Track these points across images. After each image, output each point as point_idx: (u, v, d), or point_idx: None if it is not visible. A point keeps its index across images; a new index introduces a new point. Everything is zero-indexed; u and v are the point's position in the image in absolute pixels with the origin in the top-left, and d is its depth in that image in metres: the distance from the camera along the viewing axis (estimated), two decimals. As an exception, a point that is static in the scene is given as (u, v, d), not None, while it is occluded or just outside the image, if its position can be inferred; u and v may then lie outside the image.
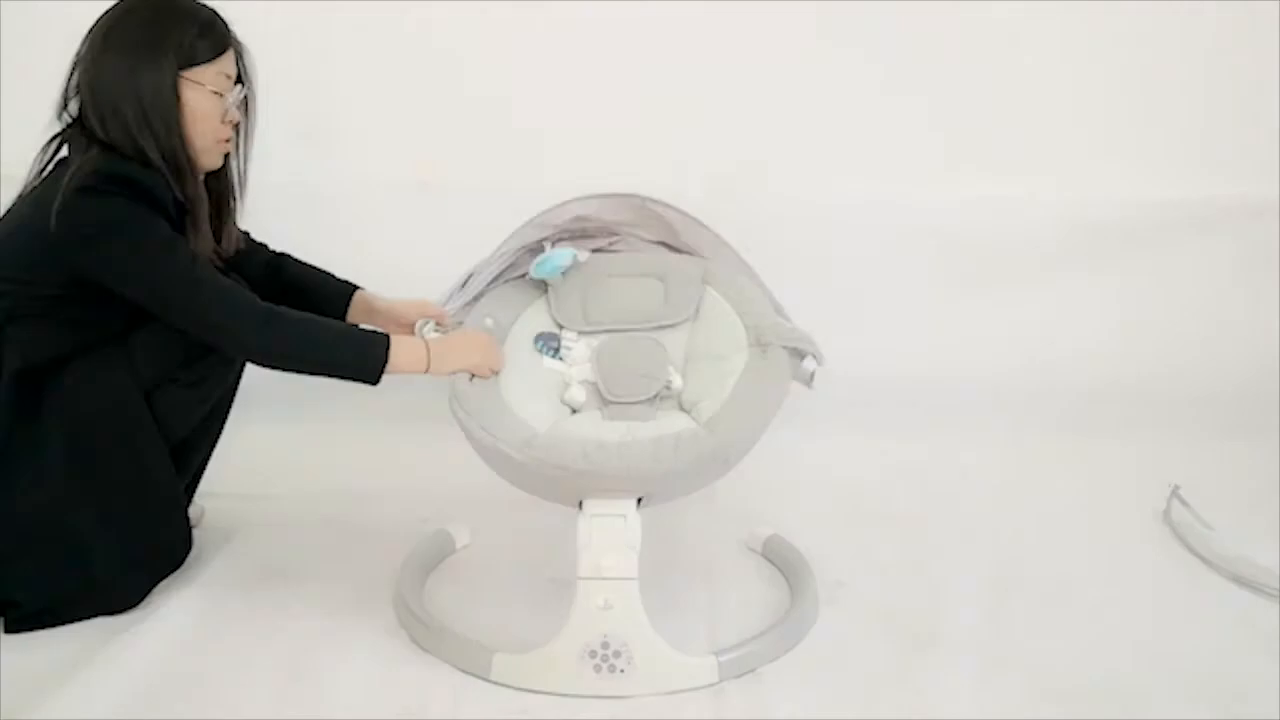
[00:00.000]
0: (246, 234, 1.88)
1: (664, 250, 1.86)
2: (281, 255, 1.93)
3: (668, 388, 1.72)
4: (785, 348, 1.68)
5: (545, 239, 1.82)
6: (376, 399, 2.07)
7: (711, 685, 1.53)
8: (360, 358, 1.63)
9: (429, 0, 2.32)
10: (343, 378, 1.64)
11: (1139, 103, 2.40)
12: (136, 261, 1.58)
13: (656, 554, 1.59)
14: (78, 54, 1.63)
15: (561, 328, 1.80)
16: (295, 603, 1.73)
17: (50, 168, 1.66)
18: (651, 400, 1.70)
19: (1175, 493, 2.07)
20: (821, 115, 2.36)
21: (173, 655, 1.59)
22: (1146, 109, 2.41)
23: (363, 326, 1.74)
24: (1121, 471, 2.26)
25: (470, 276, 1.81)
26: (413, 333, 1.77)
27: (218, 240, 1.73)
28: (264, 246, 1.92)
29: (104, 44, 1.61)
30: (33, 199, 1.63)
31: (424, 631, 1.64)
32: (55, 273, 1.59)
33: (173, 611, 1.69)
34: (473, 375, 1.66)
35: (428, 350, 1.66)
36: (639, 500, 1.56)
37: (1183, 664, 1.59)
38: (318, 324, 1.66)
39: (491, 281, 1.82)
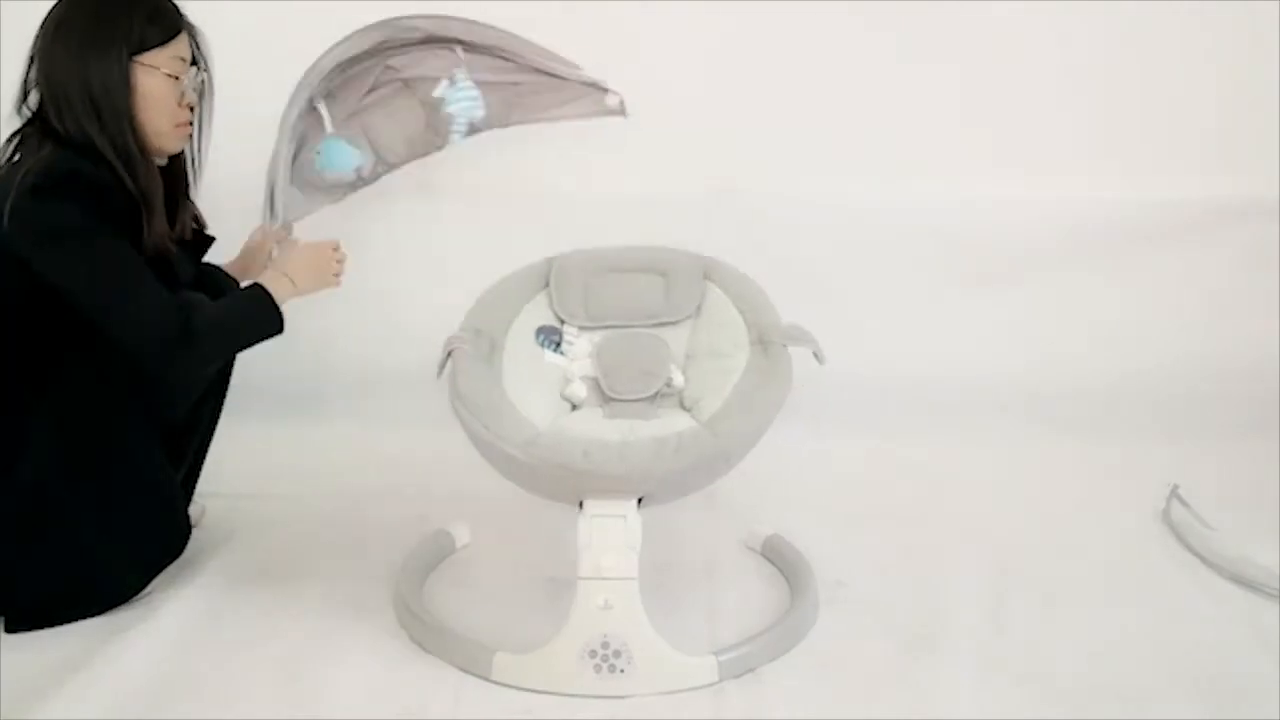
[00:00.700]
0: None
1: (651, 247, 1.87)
2: None
3: (669, 385, 1.72)
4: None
5: (312, 98, 1.89)
6: (376, 399, 2.08)
7: (711, 685, 1.53)
8: (264, 325, 1.68)
9: (429, 1, 2.32)
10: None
11: (1139, 102, 2.40)
12: (78, 267, 1.55)
13: (656, 554, 1.59)
14: (33, 47, 1.62)
15: (563, 322, 1.80)
16: (295, 603, 1.74)
17: (6, 167, 1.63)
18: (652, 398, 1.70)
19: (1175, 493, 2.07)
20: (822, 115, 2.35)
21: (173, 655, 1.59)
22: (1146, 109, 2.40)
23: (238, 292, 1.75)
24: (1121, 471, 2.26)
25: (272, 190, 1.87)
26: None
27: (172, 225, 1.71)
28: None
29: (55, 35, 1.60)
30: None
31: (424, 631, 1.64)
32: (15, 272, 1.56)
33: (173, 611, 1.70)
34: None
35: (290, 279, 1.72)
36: (639, 500, 1.57)
37: (1183, 664, 1.59)
38: (223, 324, 1.67)
39: (291, 182, 1.88)
